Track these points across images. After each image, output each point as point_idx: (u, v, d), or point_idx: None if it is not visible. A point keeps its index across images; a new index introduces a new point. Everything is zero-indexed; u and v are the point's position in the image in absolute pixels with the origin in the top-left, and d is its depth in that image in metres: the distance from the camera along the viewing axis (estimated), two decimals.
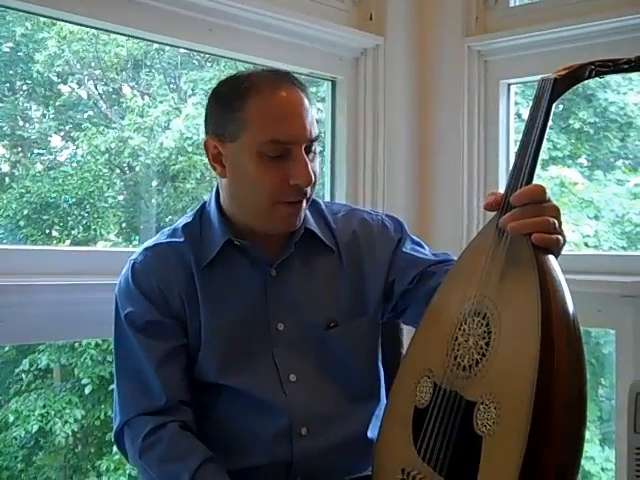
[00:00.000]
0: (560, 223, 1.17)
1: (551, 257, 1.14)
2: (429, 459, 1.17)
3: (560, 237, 1.16)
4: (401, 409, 1.28)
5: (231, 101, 1.37)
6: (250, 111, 1.35)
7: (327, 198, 2.45)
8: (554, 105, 1.22)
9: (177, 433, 1.37)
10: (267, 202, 1.36)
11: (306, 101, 1.38)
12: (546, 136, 1.21)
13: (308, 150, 1.37)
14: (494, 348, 1.13)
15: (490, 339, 1.14)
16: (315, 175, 1.37)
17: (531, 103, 1.23)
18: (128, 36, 2.53)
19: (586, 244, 3.51)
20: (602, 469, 3.52)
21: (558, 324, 1.09)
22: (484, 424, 1.10)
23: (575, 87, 1.26)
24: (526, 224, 1.14)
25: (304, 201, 1.39)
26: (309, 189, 1.37)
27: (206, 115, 1.44)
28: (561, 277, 1.14)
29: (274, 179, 1.34)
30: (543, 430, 1.04)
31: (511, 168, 1.22)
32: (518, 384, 1.07)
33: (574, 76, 1.23)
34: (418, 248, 1.54)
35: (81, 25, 2.04)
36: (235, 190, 1.41)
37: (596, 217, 3.63)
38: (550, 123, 1.21)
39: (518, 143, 1.23)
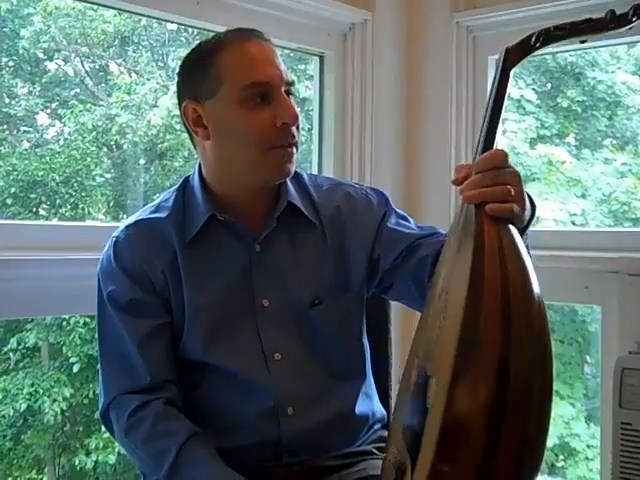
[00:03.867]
0: (520, 190, 1.12)
1: (511, 227, 1.08)
2: (403, 436, 1.15)
3: (514, 205, 1.09)
4: (401, 394, 1.25)
5: (202, 61, 1.38)
6: (223, 65, 1.36)
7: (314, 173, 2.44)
8: (511, 74, 1.17)
9: (162, 410, 1.36)
10: (258, 150, 1.36)
11: (276, 51, 1.40)
12: (505, 106, 1.17)
13: (287, 94, 1.37)
14: (444, 322, 1.10)
15: (446, 314, 1.10)
16: (300, 121, 1.38)
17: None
18: (114, 9, 2.51)
19: (573, 222, 3.52)
20: (587, 446, 3.57)
21: (511, 288, 1.02)
22: (430, 396, 1.05)
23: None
24: (481, 194, 1.09)
25: (294, 146, 1.38)
26: (296, 132, 1.37)
27: (178, 85, 1.44)
28: (520, 246, 1.06)
29: (261, 123, 1.34)
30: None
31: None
32: (445, 353, 1.02)
33: (525, 45, 1.19)
34: (403, 222, 1.52)
35: None
36: (222, 149, 1.40)
37: (583, 196, 3.64)
38: (508, 92, 1.17)
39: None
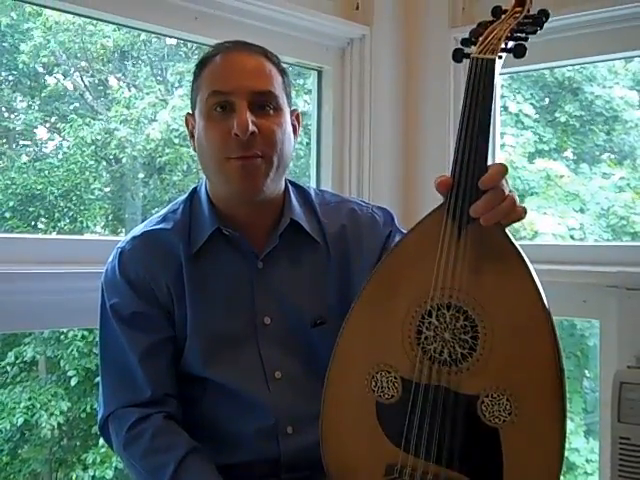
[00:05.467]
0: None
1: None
2: (426, 454, 1.17)
3: (523, 207, 1.16)
4: (355, 407, 1.26)
5: (195, 74, 1.42)
6: (202, 76, 1.39)
7: None
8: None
9: (161, 424, 1.36)
10: (217, 161, 1.36)
11: (261, 61, 1.38)
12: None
13: (260, 107, 1.36)
14: (488, 342, 1.14)
15: (478, 333, 1.14)
16: (272, 134, 1.36)
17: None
18: (113, 24, 2.52)
19: (572, 237, 3.52)
20: (587, 460, 3.55)
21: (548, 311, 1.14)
22: (497, 416, 1.13)
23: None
24: (498, 214, 1.13)
25: (257, 159, 1.35)
26: (260, 146, 1.35)
27: None
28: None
29: (218, 133, 1.34)
30: (564, 411, 1.11)
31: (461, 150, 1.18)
32: (539, 374, 1.12)
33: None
34: None
35: (67, 12, 2.02)
36: (200, 159, 1.41)
37: (582, 210, 3.64)
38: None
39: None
